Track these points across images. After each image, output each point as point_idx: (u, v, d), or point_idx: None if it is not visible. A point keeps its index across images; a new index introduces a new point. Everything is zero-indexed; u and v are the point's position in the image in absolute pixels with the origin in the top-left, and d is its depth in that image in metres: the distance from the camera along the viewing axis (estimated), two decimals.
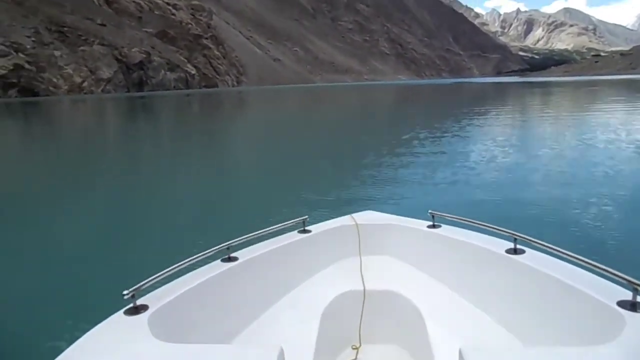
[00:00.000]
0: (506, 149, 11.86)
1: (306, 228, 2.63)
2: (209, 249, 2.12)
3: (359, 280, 2.52)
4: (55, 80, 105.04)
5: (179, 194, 8.46)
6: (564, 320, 1.79)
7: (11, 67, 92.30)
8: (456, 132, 15.69)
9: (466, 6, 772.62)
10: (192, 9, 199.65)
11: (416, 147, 12.40)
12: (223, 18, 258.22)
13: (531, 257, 2.04)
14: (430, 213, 2.57)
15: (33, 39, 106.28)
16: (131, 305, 1.71)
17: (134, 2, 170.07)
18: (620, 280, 1.63)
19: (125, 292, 1.66)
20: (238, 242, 2.27)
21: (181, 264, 1.94)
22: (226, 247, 2.20)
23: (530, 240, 2.04)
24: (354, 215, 2.85)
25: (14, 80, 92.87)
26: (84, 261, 5.02)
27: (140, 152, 15.26)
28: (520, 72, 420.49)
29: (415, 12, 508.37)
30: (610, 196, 6.67)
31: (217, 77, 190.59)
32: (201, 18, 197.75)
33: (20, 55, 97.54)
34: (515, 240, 2.13)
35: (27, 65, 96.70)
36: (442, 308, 2.25)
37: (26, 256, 5.31)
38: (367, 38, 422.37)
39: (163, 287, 1.90)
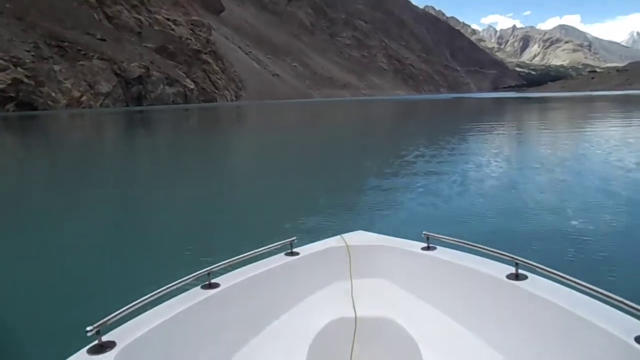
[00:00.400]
0: (507, 167, 11.36)
1: (294, 250, 2.49)
2: (188, 275, 1.96)
3: (350, 306, 2.37)
4: (53, 94, 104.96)
5: (157, 213, 7.92)
6: (572, 356, 1.63)
7: (9, 82, 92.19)
8: (454, 149, 15.27)
9: (463, 23, 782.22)
10: (192, 24, 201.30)
11: (411, 165, 11.94)
12: (222, 33, 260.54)
13: (535, 284, 1.90)
14: (424, 234, 2.44)
15: (32, 53, 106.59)
16: (95, 342, 1.54)
17: (134, 17, 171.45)
18: (638, 313, 1.50)
19: (88, 328, 1.49)
20: (220, 267, 2.12)
21: (155, 294, 1.78)
22: (206, 272, 2.04)
23: (533, 265, 1.91)
24: (345, 235, 2.71)
25: (12, 94, 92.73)
26: (44, 291, 4.53)
27: (124, 169, 14.77)
28: (517, 87, 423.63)
29: (413, 28, 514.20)
30: (625, 219, 6.16)
31: (216, 91, 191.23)
32: (200, 33, 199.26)
33: (19, 69, 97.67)
34: (516, 265, 1.99)
35: (25, 80, 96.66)
36: (439, 337, 2.10)
37: None
38: (365, 54, 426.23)
39: (133, 320, 1.73)
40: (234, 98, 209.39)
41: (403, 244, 2.59)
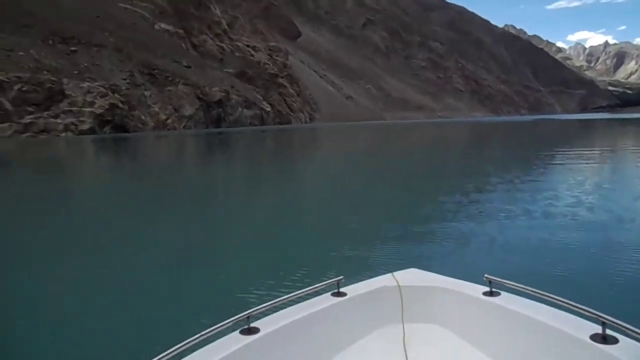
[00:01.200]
0: (596, 203, 9.81)
1: (341, 290, 2.29)
2: (225, 319, 1.86)
3: (401, 354, 2.14)
4: (143, 117, 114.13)
5: (192, 247, 7.52)
6: None
7: (107, 107, 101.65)
8: (531, 178, 13.90)
9: (547, 41, 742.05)
10: (270, 50, 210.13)
11: (477, 195, 10.96)
12: (298, 58, 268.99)
13: (628, 350, 1.59)
14: (486, 278, 2.19)
15: (128, 81, 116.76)
16: None
17: (217, 45, 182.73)
18: None
19: None
20: (260, 310, 1.97)
21: (190, 341, 1.67)
22: (246, 316, 1.91)
23: (625, 327, 1.61)
24: (396, 274, 2.50)
25: (109, 118, 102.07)
26: (68, 334, 4.35)
27: (175, 192, 14.97)
28: (610, 108, 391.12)
29: (492, 48, 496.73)
30: None
31: (291, 113, 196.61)
32: (278, 58, 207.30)
33: (116, 95, 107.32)
34: (603, 325, 1.69)
35: (120, 105, 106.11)
36: None
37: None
38: (441, 75, 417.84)
39: None
40: (308, 120, 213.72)
41: (461, 286, 2.35)
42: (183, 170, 25.02)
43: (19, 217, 10.79)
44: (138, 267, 6.41)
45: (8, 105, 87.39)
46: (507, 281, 2.14)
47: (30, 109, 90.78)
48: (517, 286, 2.07)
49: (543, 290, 1.94)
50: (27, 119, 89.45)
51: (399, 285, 2.37)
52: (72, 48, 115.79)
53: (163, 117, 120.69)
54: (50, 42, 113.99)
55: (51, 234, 8.71)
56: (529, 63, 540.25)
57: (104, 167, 28.11)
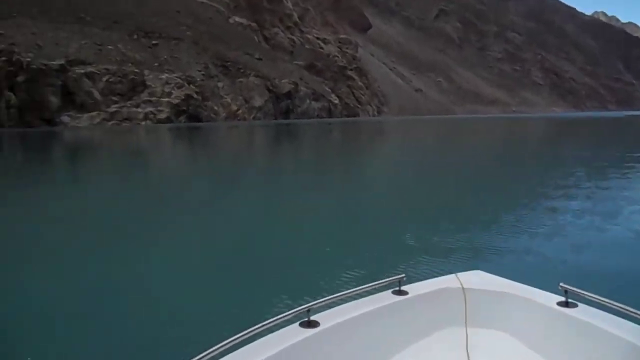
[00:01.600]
0: None
1: (402, 289, 2.23)
2: (286, 311, 1.86)
3: (464, 359, 2.08)
4: (215, 108, 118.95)
5: (252, 239, 7.47)
6: None
7: (183, 97, 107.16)
8: (628, 184, 12.49)
9: None
10: (340, 42, 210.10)
11: (556, 196, 10.01)
12: (368, 50, 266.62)
13: None
14: (561, 287, 2.03)
15: (202, 72, 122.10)
16: None
17: (288, 38, 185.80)
18: None
19: None
20: (320, 304, 1.95)
21: (251, 330, 1.68)
22: (306, 309, 1.89)
23: None
24: (460, 275, 2.40)
25: (184, 108, 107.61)
26: (130, 320, 4.39)
27: (243, 180, 15.04)
28: None
29: (576, 37, 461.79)
30: None
31: (359, 106, 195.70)
32: (347, 51, 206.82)
33: (191, 86, 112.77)
34: None
35: (195, 95, 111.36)
36: None
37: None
38: (518, 68, 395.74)
39: (227, 357, 1.62)
40: (375, 113, 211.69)
41: (532, 293, 2.19)
42: (252, 159, 25.62)
43: (102, 200, 11.49)
44: (204, 254, 6.47)
45: (97, 95, 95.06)
46: (585, 292, 1.94)
47: (115, 98, 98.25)
48: (598, 299, 1.88)
49: (631, 306, 1.73)
50: (113, 108, 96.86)
51: (462, 287, 2.28)
52: (154, 42, 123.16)
53: (234, 107, 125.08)
54: (135, 36, 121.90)
55: (119, 216, 9.12)
56: (621, 54, 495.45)
57: (189, 155, 29.64)
